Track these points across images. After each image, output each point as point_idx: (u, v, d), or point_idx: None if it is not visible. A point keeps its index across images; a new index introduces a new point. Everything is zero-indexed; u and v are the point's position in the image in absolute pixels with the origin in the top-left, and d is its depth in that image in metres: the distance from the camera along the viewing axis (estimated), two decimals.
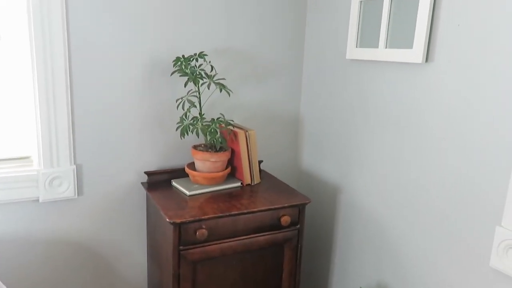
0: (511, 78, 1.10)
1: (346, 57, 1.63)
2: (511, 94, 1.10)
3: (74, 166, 1.56)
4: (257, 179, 1.70)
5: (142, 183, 1.67)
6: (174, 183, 1.64)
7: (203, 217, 1.39)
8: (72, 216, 1.61)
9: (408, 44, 1.37)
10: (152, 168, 1.71)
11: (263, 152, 1.92)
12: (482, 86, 1.17)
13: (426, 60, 1.33)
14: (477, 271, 1.23)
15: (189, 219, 1.37)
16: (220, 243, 1.45)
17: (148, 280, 1.79)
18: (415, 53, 1.34)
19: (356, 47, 1.59)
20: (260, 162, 1.87)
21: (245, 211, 1.45)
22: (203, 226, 1.40)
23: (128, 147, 1.65)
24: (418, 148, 1.39)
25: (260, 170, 1.83)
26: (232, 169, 1.70)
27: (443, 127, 1.30)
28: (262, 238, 1.51)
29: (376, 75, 1.53)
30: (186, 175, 1.68)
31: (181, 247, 1.39)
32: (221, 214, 1.41)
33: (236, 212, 1.44)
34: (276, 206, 1.51)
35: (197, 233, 1.38)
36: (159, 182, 1.68)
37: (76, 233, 1.63)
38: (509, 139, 1.12)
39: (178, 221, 1.35)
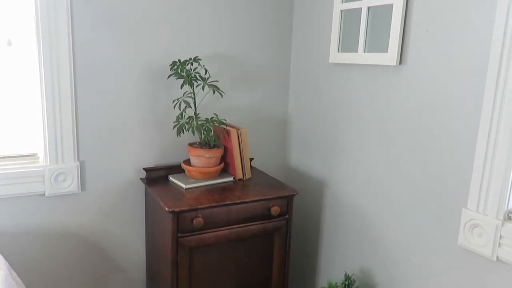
0: (473, 78, 1.25)
1: (330, 61, 1.78)
2: (473, 92, 1.25)
3: (78, 163, 1.67)
4: (248, 174, 1.83)
5: (141, 179, 1.79)
6: (171, 178, 1.76)
7: (199, 207, 1.51)
8: (76, 209, 1.71)
9: (384, 48, 1.51)
10: (150, 164, 1.82)
11: (254, 150, 2.05)
12: (449, 84, 1.32)
13: (400, 62, 1.48)
14: (448, 249, 1.36)
15: (186, 208, 1.49)
16: (215, 231, 1.57)
17: (146, 269, 1.90)
18: (390, 56, 1.49)
19: (338, 51, 1.74)
20: (251, 159, 2.00)
21: (238, 201, 1.58)
22: (199, 215, 1.52)
23: (128, 145, 1.77)
24: (394, 143, 1.53)
25: (251, 167, 1.96)
26: (225, 165, 1.83)
27: (415, 122, 1.44)
28: (253, 226, 1.64)
29: (356, 77, 1.68)
30: (183, 171, 1.80)
31: (179, 235, 1.50)
32: (215, 204, 1.54)
33: (229, 202, 1.56)
34: (266, 197, 1.63)
35: (194, 222, 1.50)
36: (157, 177, 1.80)
37: (79, 226, 1.74)
38: (471, 132, 1.26)
39: (176, 210, 1.47)
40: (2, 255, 1.43)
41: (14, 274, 1.42)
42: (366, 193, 1.67)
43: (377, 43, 1.55)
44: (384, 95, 1.56)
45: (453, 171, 1.33)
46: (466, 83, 1.27)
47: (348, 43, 1.69)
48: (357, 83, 1.68)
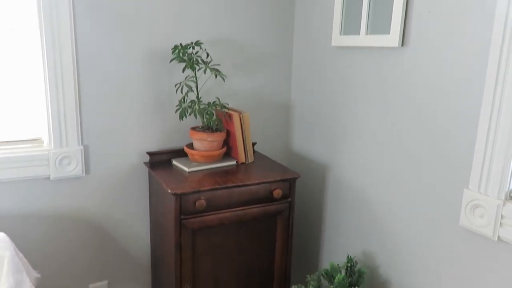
0: (476, 59, 1.24)
1: (332, 44, 1.77)
2: (475, 73, 1.25)
3: (82, 147, 1.69)
4: (251, 158, 1.84)
5: (145, 163, 1.80)
6: (174, 162, 1.78)
7: (201, 189, 1.52)
8: (80, 193, 1.74)
9: (386, 30, 1.50)
10: (153, 149, 1.84)
11: (256, 135, 2.06)
12: (451, 65, 1.32)
13: (402, 44, 1.47)
14: (449, 230, 1.37)
15: (189, 190, 1.50)
16: (217, 214, 1.58)
17: (150, 252, 1.92)
18: (392, 38, 1.48)
19: (341, 34, 1.73)
20: (254, 144, 2.01)
21: (240, 184, 1.59)
22: (202, 197, 1.53)
23: (131, 129, 1.78)
24: (396, 125, 1.53)
25: (254, 151, 1.96)
26: (227, 149, 1.84)
27: (418, 104, 1.44)
28: (256, 209, 1.65)
29: (359, 59, 1.67)
30: (185, 155, 1.81)
31: (182, 217, 1.52)
32: (218, 187, 1.55)
33: (231, 185, 1.57)
34: (269, 180, 1.64)
35: (196, 204, 1.52)
36: (160, 161, 1.81)
37: (84, 209, 1.76)
38: (473, 113, 1.26)
39: (179, 192, 1.48)
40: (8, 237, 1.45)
41: (21, 255, 1.45)
42: (368, 176, 1.67)
43: (379, 25, 1.54)
44: (387, 78, 1.55)
45: (455, 152, 1.33)
46: (468, 64, 1.26)
47: (350, 26, 1.68)
48: (359, 66, 1.67)
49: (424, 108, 1.42)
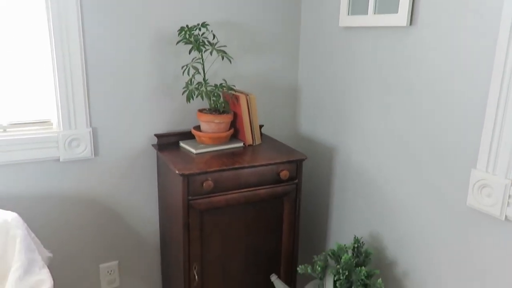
0: (485, 38, 1.22)
1: (339, 25, 1.75)
2: (484, 53, 1.23)
3: (90, 129, 1.70)
4: (258, 140, 1.84)
5: (153, 145, 1.82)
6: (181, 144, 1.79)
7: (208, 170, 1.53)
8: (90, 174, 1.76)
9: (394, 9, 1.48)
10: (161, 131, 1.85)
11: (264, 118, 2.06)
12: (460, 44, 1.30)
13: (410, 23, 1.45)
14: (457, 210, 1.37)
15: (196, 171, 1.51)
16: (225, 195, 1.59)
17: (159, 232, 1.95)
18: (400, 17, 1.46)
19: (348, 14, 1.71)
20: (261, 126, 2.01)
21: (247, 165, 1.60)
22: (209, 178, 1.55)
23: (138, 112, 1.79)
24: (404, 106, 1.52)
25: (261, 134, 1.97)
26: (234, 131, 1.84)
27: (426, 84, 1.42)
28: (263, 191, 1.66)
29: (366, 40, 1.66)
30: (193, 137, 1.82)
31: (189, 197, 1.53)
32: (225, 168, 1.56)
33: (239, 166, 1.58)
34: (276, 161, 1.65)
35: (204, 185, 1.53)
36: (167, 143, 1.82)
37: (93, 190, 1.78)
38: (481, 92, 1.25)
39: (186, 172, 1.49)
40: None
41: (33, 234, 1.48)
42: (375, 158, 1.67)
43: (387, 4, 1.52)
44: (395, 58, 1.54)
45: (463, 132, 1.32)
46: (477, 43, 1.24)
47: (358, 5, 1.66)
48: (367, 47, 1.66)
49: (433, 88, 1.40)
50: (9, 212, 1.44)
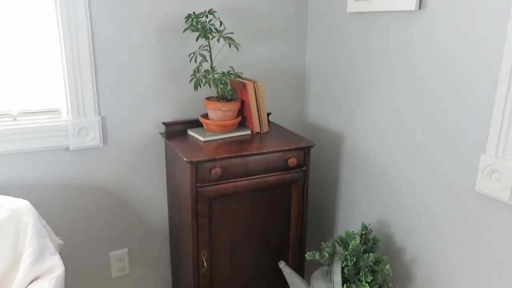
0: (495, 21, 1.20)
1: (347, 10, 1.73)
2: (495, 36, 1.21)
3: (99, 117, 1.71)
4: (265, 128, 1.84)
5: (161, 133, 1.82)
6: (189, 132, 1.79)
7: (217, 157, 1.54)
8: (99, 162, 1.77)
9: None
10: (169, 119, 1.86)
11: (271, 105, 2.05)
12: (469, 28, 1.28)
13: (419, 7, 1.43)
14: (466, 196, 1.36)
15: (204, 158, 1.52)
16: (233, 182, 1.60)
17: (168, 220, 1.97)
18: (409, 1, 1.44)
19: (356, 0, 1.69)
20: (268, 114, 2.01)
21: (255, 152, 1.60)
22: (217, 166, 1.55)
23: (146, 100, 1.80)
24: (413, 91, 1.50)
25: (269, 121, 1.96)
26: (242, 119, 1.84)
27: (435, 68, 1.41)
28: (271, 178, 1.66)
29: (375, 25, 1.64)
30: (200, 126, 1.83)
31: (198, 185, 1.54)
32: (233, 155, 1.56)
33: (246, 153, 1.58)
34: (283, 149, 1.65)
35: (212, 172, 1.54)
36: (175, 132, 1.83)
37: (103, 178, 1.80)
38: (491, 76, 1.23)
39: (194, 160, 1.50)
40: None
41: (44, 221, 1.50)
42: (384, 144, 1.66)
43: None
44: (404, 43, 1.52)
45: (472, 117, 1.31)
46: (487, 27, 1.22)
47: None
48: (375, 33, 1.64)
49: (442, 73, 1.39)
50: (20, 199, 1.46)
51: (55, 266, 1.37)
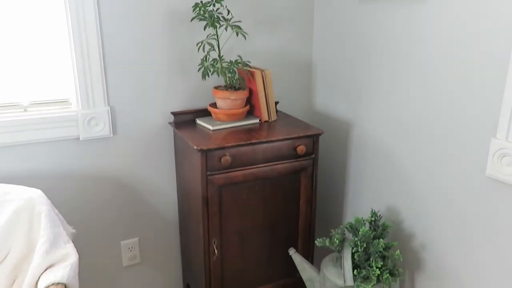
0: (502, 5, 1.20)
1: None
2: (503, 18, 1.20)
3: (108, 108, 1.72)
4: (274, 116, 1.84)
5: (170, 123, 1.83)
6: (198, 121, 1.80)
7: (226, 145, 1.55)
8: (109, 152, 1.79)
9: None
10: (177, 109, 1.86)
11: (279, 94, 2.05)
12: (480, 12, 1.27)
13: None
14: (476, 181, 1.36)
15: (214, 146, 1.53)
16: (242, 170, 1.61)
17: (178, 208, 1.98)
18: None
19: None
20: (276, 103, 2.01)
21: (264, 140, 1.61)
22: (227, 154, 1.56)
23: (155, 90, 1.80)
24: (422, 77, 1.50)
25: (277, 110, 1.97)
26: (250, 108, 1.85)
27: (444, 53, 1.40)
28: (280, 166, 1.67)
29: (382, 12, 1.63)
30: (209, 115, 1.83)
31: (208, 173, 1.55)
32: (242, 143, 1.57)
33: (256, 141, 1.59)
34: (292, 136, 1.65)
35: (222, 160, 1.55)
36: (184, 121, 1.84)
37: (113, 168, 1.82)
38: (501, 61, 1.22)
39: (205, 148, 1.51)
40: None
41: (56, 211, 1.52)
42: (392, 130, 1.66)
43: None
44: (412, 29, 1.51)
45: (482, 101, 1.31)
46: (497, 10, 1.22)
47: None
48: (383, 19, 1.63)
49: (451, 58, 1.38)
50: (34, 189, 1.48)
51: (69, 254, 1.39)
